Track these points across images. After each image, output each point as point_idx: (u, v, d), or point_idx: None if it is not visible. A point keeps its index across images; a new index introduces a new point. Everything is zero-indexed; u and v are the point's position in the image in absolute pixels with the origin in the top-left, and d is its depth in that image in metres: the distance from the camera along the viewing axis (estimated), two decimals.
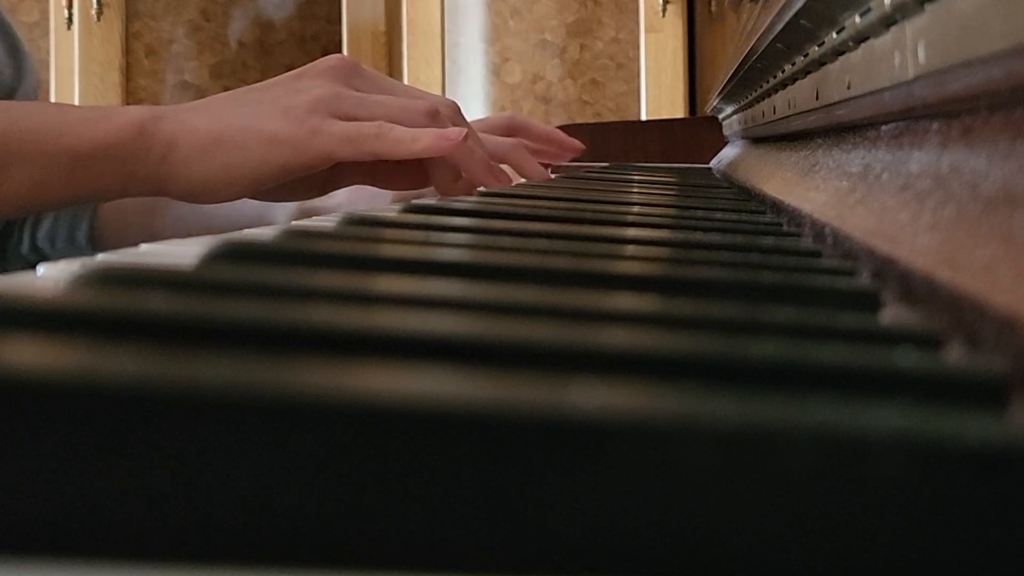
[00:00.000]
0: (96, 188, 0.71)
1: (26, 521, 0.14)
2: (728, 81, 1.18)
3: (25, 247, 0.95)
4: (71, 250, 0.94)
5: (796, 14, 0.62)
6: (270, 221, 0.90)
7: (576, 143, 1.07)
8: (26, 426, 0.14)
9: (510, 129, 1.05)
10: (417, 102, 0.74)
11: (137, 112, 0.71)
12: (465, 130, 0.72)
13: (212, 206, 0.84)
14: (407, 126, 0.72)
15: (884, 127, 0.48)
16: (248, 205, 0.92)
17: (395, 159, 0.71)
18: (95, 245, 0.94)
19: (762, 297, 0.29)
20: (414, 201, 0.64)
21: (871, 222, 0.38)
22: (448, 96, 2.69)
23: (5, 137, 0.68)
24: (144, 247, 0.36)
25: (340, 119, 0.71)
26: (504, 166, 1.04)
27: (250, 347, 0.20)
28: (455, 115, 0.77)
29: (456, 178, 0.76)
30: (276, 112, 0.71)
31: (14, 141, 0.69)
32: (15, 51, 1.02)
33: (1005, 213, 0.27)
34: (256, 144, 0.70)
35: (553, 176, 1.05)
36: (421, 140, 0.70)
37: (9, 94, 1.00)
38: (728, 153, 1.38)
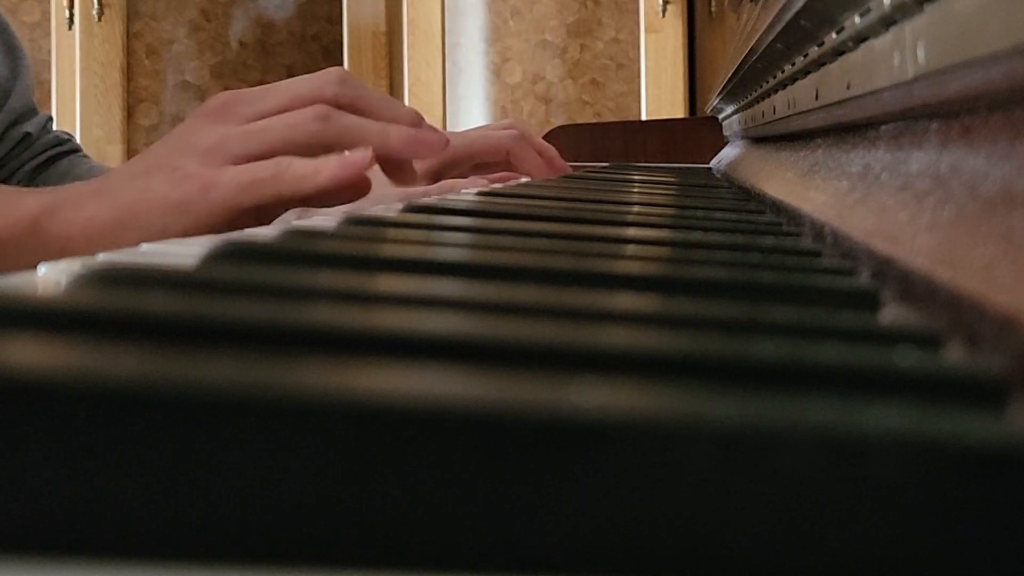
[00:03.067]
0: None
1: (26, 521, 0.14)
2: (728, 81, 1.18)
3: None
4: None
5: (796, 14, 0.62)
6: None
7: (565, 165, 1.07)
8: (26, 426, 0.14)
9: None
10: (305, 112, 0.68)
11: (31, 204, 0.68)
12: (368, 151, 0.67)
13: None
14: (303, 145, 0.67)
15: (884, 127, 0.48)
16: None
17: (302, 197, 0.67)
18: None
19: (762, 297, 0.29)
20: (414, 201, 0.64)
21: (871, 222, 0.38)
22: (448, 96, 2.70)
23: None
24: (144, 247, 0.36)
25: (236, 162, 0.67)
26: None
27: (250, 347, 0.20)
28: (349, 89, 0.70)
29: (403, 171, 0.71)
30: (165, 177, 0.67)
31: None
32: (12, 49, 1.02)
33: (1004, 213, 0.27)
34: (154, 217, 0.66)
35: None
36: (323, 172, 0.66)
37: (5, 93, 1.00)
38: (728, 153, 1.38)
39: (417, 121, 0.72)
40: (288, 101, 0.70)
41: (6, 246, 0.66)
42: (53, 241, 0.67)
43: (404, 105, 0.75)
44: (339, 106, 0.69)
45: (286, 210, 0.70)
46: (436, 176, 0.98)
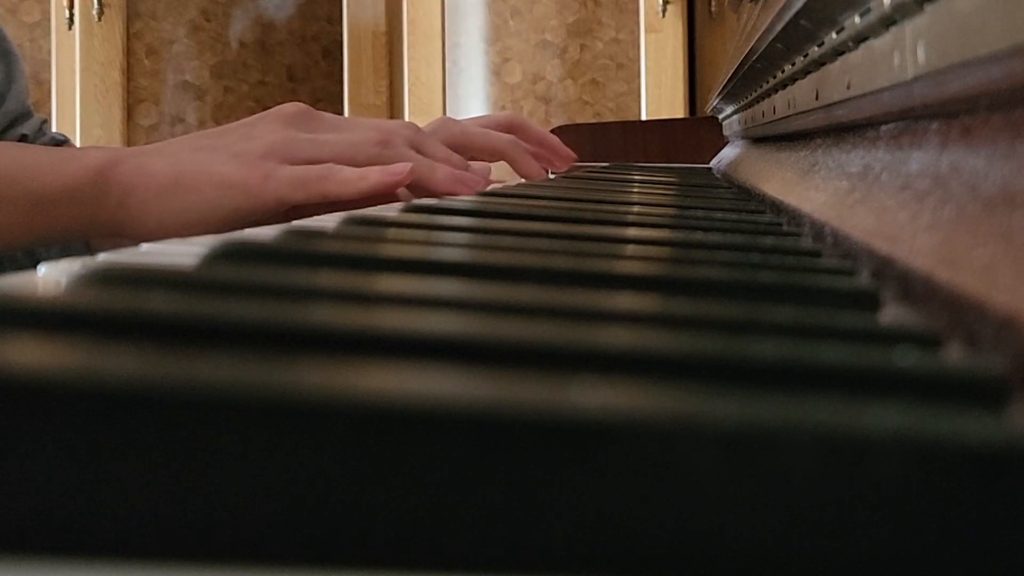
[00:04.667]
0: (56, 231, 0.73)
1: (26, 521, 0.14)
2: (728, 81, 1.18)
3: (19, 253, 0.94)
4: (67, 253, 0.94)
5: (796, 14, 0.62)
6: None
7: (569, 153, 1.07)
8: (26, 426, 0.14)
9: (508, 129, 1.05)
10: (369, 134, 0.77)
11: (97, 156, 0.73)
12: (410, 164, 0.75)
13: None
14: (359, 161, 0.75)
15: (884, 127, 0.48)
16: None
17: (345, 199, 0.73)
18: (91, 252, 0.94)
19: (762, 297, 0.29)
20: (415, 201, 0.64)
21: (871, 222, 0.38)
22: (448, 96, 2.69)
23: None
24: (144, 247, 0.36)
25: (293, 163, 0.74)
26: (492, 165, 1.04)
27: (250, 347, 0.20)
28: (412, 138, 0.79)
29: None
30: (230, 157, 0.73)
31: None
32: (5, 53, 1.01)
33: (1004, 213, 0.27)
34: (209, 188, 0.72)
35: (551, 176, 1.05)
36: (368, 178, 0.73)
37: (0, 97, 0.99)
38: (728, 153, 1.38)
39: (464, 167, 0.82)
40: (361, 127, 0.79)
41: (74, 192, 0.71)
42: (115, 189, 0.72)
43: (458, 158, 0.84)
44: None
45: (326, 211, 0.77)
46: None
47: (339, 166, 0.74)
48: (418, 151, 0.79)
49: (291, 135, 0.75)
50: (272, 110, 0.78)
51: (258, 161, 0.73)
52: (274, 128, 0.76)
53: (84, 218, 0.72)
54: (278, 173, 0.72)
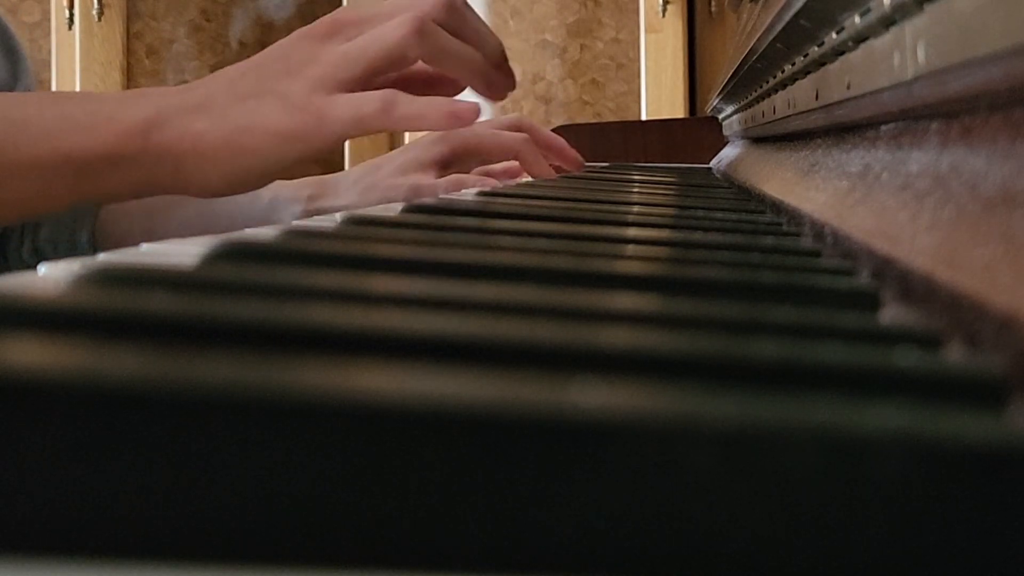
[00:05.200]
0: (104, 193, 0.68)
1: (26, 521, 0.14)
2: (728, 81, 1.18)
3: (26, 250, 0.94)
4: (72, 253, 0.93)
5: (796, 14, 0.62)
6: (276, 223, 0.89)
7: (576, 156, 1.06)
8: (26, 426, 0.14)
9: (516, 130, 1.05)
10: (402, 25, 0.70)
11: (138, 116, 0.67)
12: (477, 105, 0.69)
13: (217, 208, 0.83)
14: (397, 58, 0.69)
15: (884, 127, 0.48)
16: (255, 207, 0.92)
17: (403, 131, 0.70)
18: (97, 248, 0.94)
19: (762, 297, 0.29)
20: (414, 201, 0.64)
21: (871, 222, 0.38)
22: None
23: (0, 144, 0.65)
24: (144, 247, 0.36)
25: (343, 90, 0.68)
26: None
27: (250, 347, 0.20)
28: (455, 16, 0.73)
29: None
30: (278, 103, 0.68)
31: (9, 148, 0.65)
32: (11, 52, 1.01)
33: (1004, 213, 0.27)
34: (267, 144, 0.68)
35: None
36: (428, 118, 0.68)
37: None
38: (728, 153, 1.38)
39: (501, 57, 0.75)
40: (390, 16, 0.71)
41: (119, 159, 0.66)
42: (166, 156, 0.67)
43: (493, 37, 0.77)
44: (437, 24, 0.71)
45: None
46: (444, 166, 0.98)
47: (395, 95, 0.68)
48: (455, 33, 0.72)
49: (330, 58, 0.69)
50: (302, 31, 0.71)
51: (309, 100, 0.68)
52: (307, 52, 0.69)
53: (134, 183, 0.67)
54: (333, 111, 0.67)
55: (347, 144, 2.70)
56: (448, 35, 0.72)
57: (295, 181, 0.94)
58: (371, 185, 0.94)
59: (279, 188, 0.92)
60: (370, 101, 0.68)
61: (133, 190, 0.69)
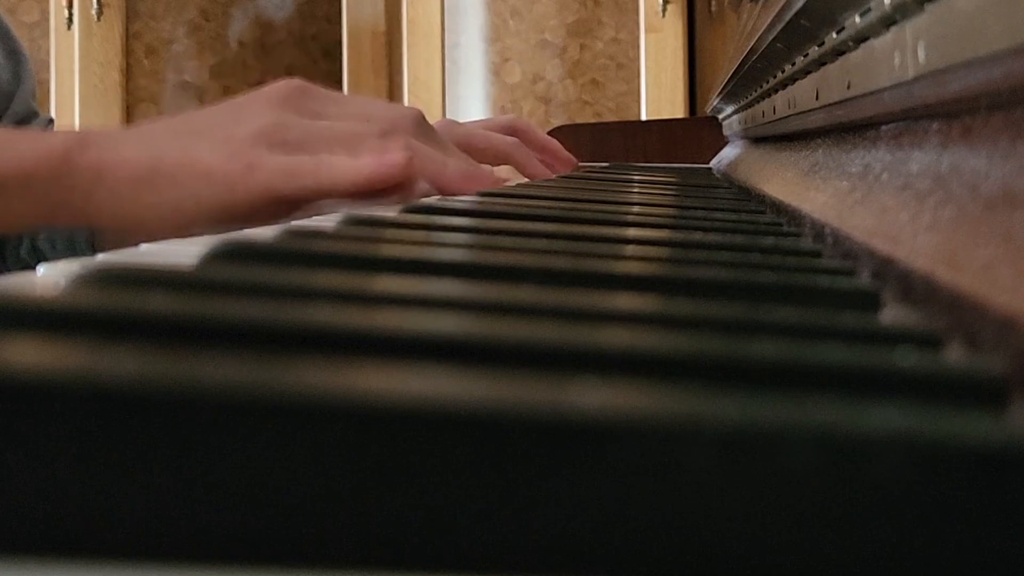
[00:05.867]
0: (16, 217, 0.66)
1: (26, 521, 0.14)
2: (728, 81, 1.18)
3: (24, 249, 0.94)
4: (71, 255, 0.93)
5: (796, 14, 0.62)
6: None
7: (570, 157, 1.06)
8: (26, 426, 0.14)
9: (510, 132, 1.04)
10: (371, 125, 0.68)
11: (63, 138, 0.66)
12: (408, 154, 0.67)
13: None
14: (359, 153, 0.66)
15: (884, 127, 0.48)
16: None
17: (340, 192, 0.66)
18: (96, 246, 0.94)
19: (762, 297, 0.29)
20: (414, 201, 0.64)
21: (871, 222, 0.38)
22: (448, 96, 2.69)
23: None
24: (144, 247, 0.36)
25: (285, 151, 0.66)
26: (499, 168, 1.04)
27: (250, 347, 0.20)
28: (417, 127, 0.71)
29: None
30: (213, 143, 0.65)
31: None
32: (13, 53, 1.01)
33: (1005, 213, 0.27)
34: (189, 179, 0.64)
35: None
36: (363, 169, 0.65)
37: (7, 97, 1.00)
38: (728, 153, 1.38)
39: (471, 164, 0.74)
40: (356, 117, 0.70)
41: (34, 179, 0.64)
42: (82, 176, 0.64)
43: (462, 155, 0.76)
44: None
45: (325, 204, 0.69)
46: None
47: (332, 156, 0.66)
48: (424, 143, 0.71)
49: (283, 119, 0.67)
50: (264, 88, 0.69)
51: (244, 148, 0.64)
52: (265, 110, 0.67)
53: (48, 206, 0.65)
54: (265, 162, 0.64)
55: None
56: (417, 143, 0.70)
57: None
58: None
59: None
60: (306, 158, 0.65)
61: (46, 216, 0.66)
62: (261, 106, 0.68)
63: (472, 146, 0.97)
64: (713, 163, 1.48)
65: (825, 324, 0.24)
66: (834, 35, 0.55)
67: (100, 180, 0.64)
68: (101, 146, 0.65)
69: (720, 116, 1.55)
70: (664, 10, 2.55)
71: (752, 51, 0.88)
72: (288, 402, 0.14)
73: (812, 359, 0.20)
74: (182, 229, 0.64)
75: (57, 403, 0.14)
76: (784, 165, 0.76)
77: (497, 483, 0.14)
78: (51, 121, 1.05)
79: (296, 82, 0.70)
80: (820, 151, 0.64)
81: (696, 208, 0.64)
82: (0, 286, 0.27)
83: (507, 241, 0.40)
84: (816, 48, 0.62)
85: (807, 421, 0.15)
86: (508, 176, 1.02)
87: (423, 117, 0.73)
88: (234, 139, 0.65)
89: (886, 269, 0.32)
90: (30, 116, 1.02)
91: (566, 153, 1.06)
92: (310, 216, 0.66)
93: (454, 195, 0.71)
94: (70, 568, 0.13)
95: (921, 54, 0.37)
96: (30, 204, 0.65)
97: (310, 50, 3.03)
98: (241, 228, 0.70)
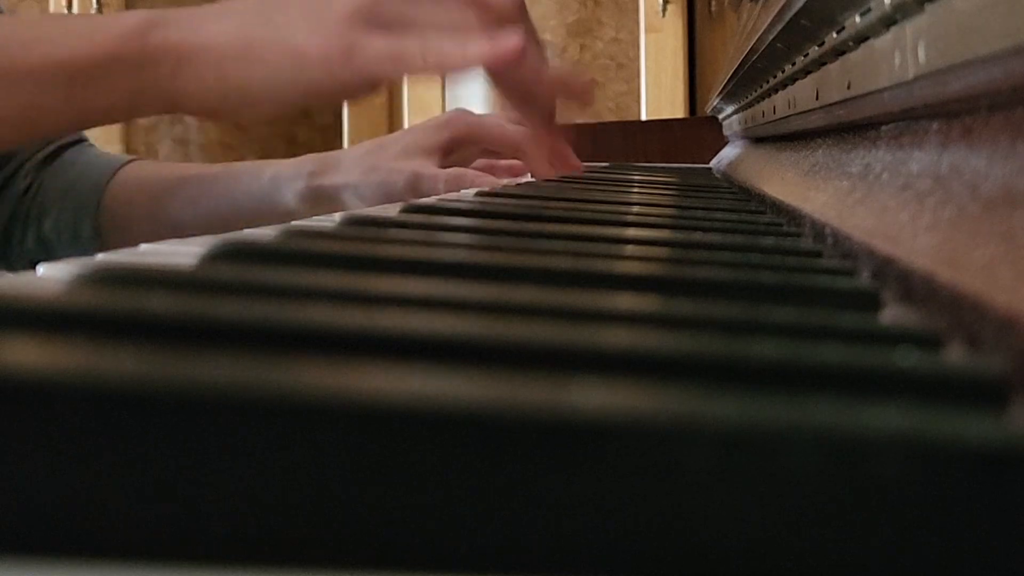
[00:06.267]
0: (98, 107, 0.61)
1: (26, 521, 0.14)
2: (728, 81, 1.18)
3: (30, 241, 0.94)
4: (76, 243, 0.93)
5: (796, 14, 0.62)
6: (278, 201, 0.86)
7: (578, 163, 1.06)
8: (26, 426, 0.14)
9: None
10: (468, 13, 0.63)
11: (139, 18, 0.61)
12: (520, 39, 0.62)
13: (218, 188, 0.81)
14: (454, 27, 0.62)
15: (884, 127, 0.48)
16: (257, 184, 0.90)
17: (444, 74, 0.61)
18: (101, 236, 0.94)
19: (762, 297, 0.29)
20: (414, 201, 0.64)
21: (871, 222, 0.38)
22: (448, 96, 2.69)
23: None
24: (144, 247, 0.36)
25: (384, 31, 0.61)
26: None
27: (250, 347, 0.20)
28: (522, 13, 0.67)
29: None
30: (307, 24, 0.60)
31: (4, 60, 0.59)
32: None
33: (1005, 213, 0.27)
34: (284, 61, 0.60)
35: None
36: (471, 51, 0.61)
37: None
38: (728, 153, 1.38)
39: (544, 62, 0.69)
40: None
41: (115, 63, 0.60)
42: (166, 58, 0.60)
43: (546, 58, 0.71)
44: None
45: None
46: (446, 152, 0.96)
47: (440, 42, 0.61)
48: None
49: None
50: None
51: (342, 29, 0.60)
52: None
53: (129, 92, 0.60)
54: (366, 45, 0.60)
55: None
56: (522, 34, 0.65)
57: (296, 159, 0.91)
58: (373, 166, 0.92)
59: (280, 165, 0.89)
60: (410, 42, 0.61)
61: (127, 102, 0.62)
62: None
63: (485, 136, 0.96)
64: (713, 163, 1.48)
65: (825, 324, 0.24)
66: (834, 35, 0.55)
67: (184, 64, 0.60)
68: (182, 26, 0.61)
69: (720, 116, 1.55)
70: (664, 10, 2.55)
71: (752, 51, 0.88)
72: (288, 402, 0.14)
73: (812, 359, 0.20)
74: (273, 112, 0.61)
75: (57, 403, 0.14)
76: (784, 165, 0.76)
77: (497, 483, 0.14)
78: None
79: None
80: (820, 151, 0.64)
81: (696, 208, 0.64)
82: (0, 286, 0.27)
83: (507, 241, 0.40)
84: (816, 48, 0.62)
85: (807, 421, 0.15)
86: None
87: (524, 5, 0.68)
88: (329, 19, 0.61)
89: (886, 269, 0.32)
90: None
91: (575, 160, 1.05)
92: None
93: (542, 105, 0.68)
94: (70, 568, 0.13)
95: (921, 54, 0.37)
96: (111, 93, 0.61)
97: None
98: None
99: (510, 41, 0.62)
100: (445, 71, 0.62)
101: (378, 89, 0.62)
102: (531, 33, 0.68)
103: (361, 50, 0.60)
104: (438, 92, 2.69)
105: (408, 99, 2.64)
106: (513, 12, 0.66)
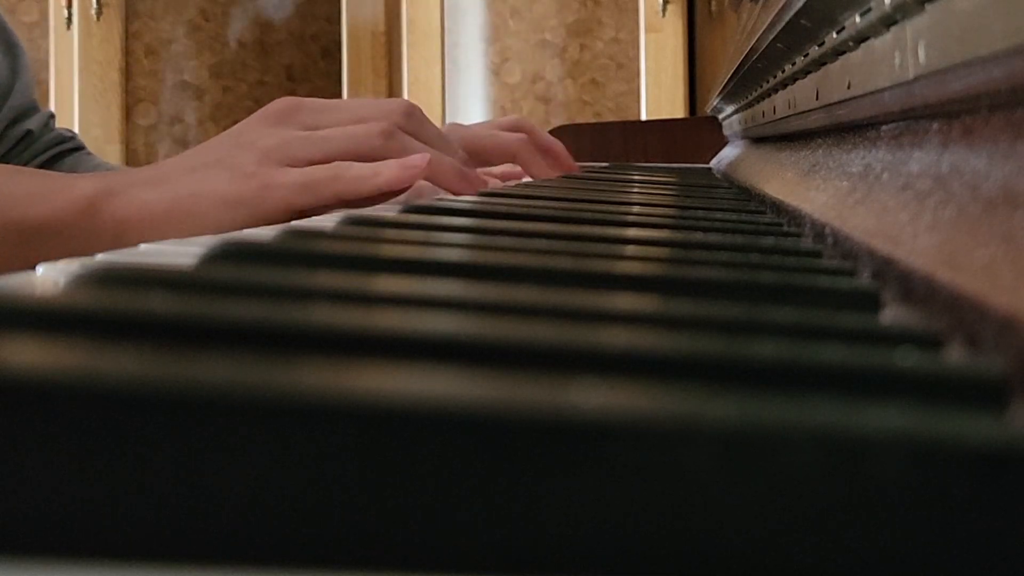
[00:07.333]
0: (45, 260, 0.68)
1: (26, 521, 0.14)
2: (728, 81, 1.18)
3: None
4: None
5: (796, 14, 0.62)
6: None
7: (573, 164, 1.06)
8: (26, 426, 0.14)
9: (515, 131, 1.04)
10: (371, 126, 0.71)
11: (87, 186, 0.69)
12: (427, 155, 0.69)
13: None
14: (364, 156, 0.69)
15: (884, 127, 0.48)
16: None
17: (361, 197, 0.68)
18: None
19: (762, 297, 0.29)
20: (414, 201, 0.64)
21: (871, 222, 0.38)
22: (448, 96, 2.70)
23: None
24: (144, 247, 0.36)
25: (293, 166, 0.68)
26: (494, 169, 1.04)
27: (250, 347, 0.20)
28: (414, 121, 0.74)
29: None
30: (224, 172, 0.68)
31: None
32: (10, 47, 1.01)
33: (1005, 213, 0.27)
34: (209, 209, 0.67)
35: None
36: (383, 174, 0.68)
37: (5, 90, 0.99)
38: (728, 153, 1.38)
39: (466, 161, 0.77)
40: (351, 119, 0.72)
41: (63, 227, 0.67)
42: (108, 224, 0.67)
43: (457, 145, 0.79)
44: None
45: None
46: None
47: (348, 163, 0.68)
48: (417, 138, 0.73)
49: (285, 135, 0.70)
50: (258, 112, 0.73)
51: (254, 170, 0.67)
52: (264, 131, 0.70)
53: (78, 252, 0.66)
54: (278, 179, 0.67)
55: None
56: (413, 140, 0.72)
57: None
58: None
59: None
60: (321, 169, 0.68)
61: (72, 255, 0.68)
62: (259, 128, 0.71)
63: (480, 147, 0.97)
64: (713, 163, 1.48)
65: (825, 324, 0.24)
66: (834, 35, 0.55)
67: (126, 227, 0.67)
68: (123, 195, 0.68)
69: (720, 116, 1.55)
70: (664, 10, 2.55)
71: (752, 51, 0.88)
72: (288, 402, 0.14)
73: (812, 359, 0.20)
74: None
75: (57, 403, 0.14)
76: (784, 165, 0.76)
77: (497, 483, 0.14)
78: (52, 116, 1.05)
79: (287, 99, 0.73)
80: (820, 151, 0.64)
81: (696, 208, 0.64)
82: (0, 286, 0.27)
83: (507, 241, 0.40)
84: (816, 48, 0.62)
85: (808, 421, 0.15)
86: (517, 172, 1.02)
87: (412, 108, 0.75)
88: (243, 163, 0.68)
89: (886, 269, 0.32)
90: (29, 110, 1.02)
91: (570, 160, 1.05)
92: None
93: (450, 191, 0.74)
94: (70, 568, 0.13)
95: (921, 54, 0.37)
96: (59, 251, 0.68)
97: (310, 50, 3.03)
98: None
99: (416, 160, 0.69)
100: (359, 192, 0.68)
101: (301, 215, 0.68)
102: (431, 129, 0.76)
103: (274, 185, 0.67)
104: (439, 94, 2.69)
105: None
106: (410, 121, 0.74)
